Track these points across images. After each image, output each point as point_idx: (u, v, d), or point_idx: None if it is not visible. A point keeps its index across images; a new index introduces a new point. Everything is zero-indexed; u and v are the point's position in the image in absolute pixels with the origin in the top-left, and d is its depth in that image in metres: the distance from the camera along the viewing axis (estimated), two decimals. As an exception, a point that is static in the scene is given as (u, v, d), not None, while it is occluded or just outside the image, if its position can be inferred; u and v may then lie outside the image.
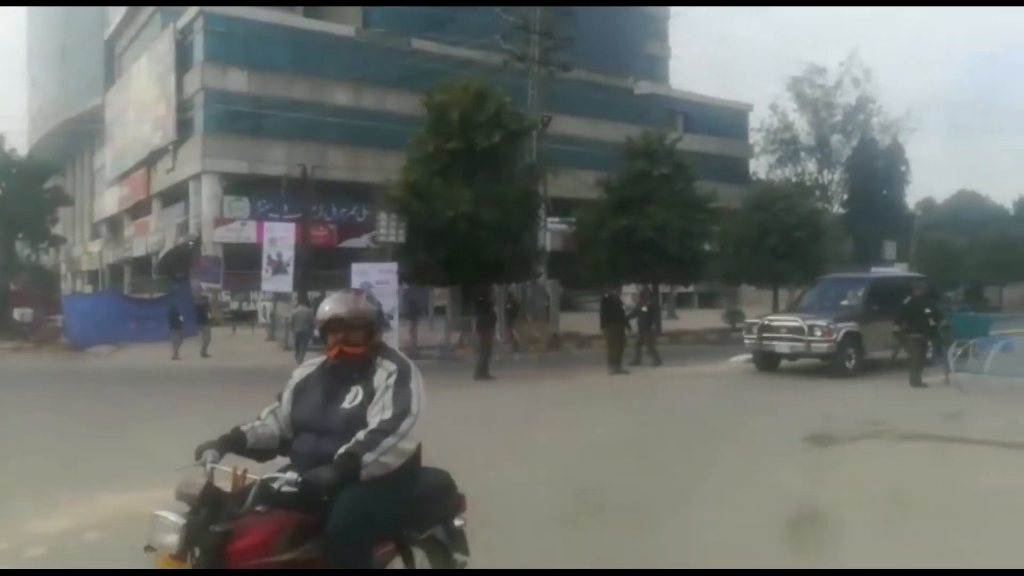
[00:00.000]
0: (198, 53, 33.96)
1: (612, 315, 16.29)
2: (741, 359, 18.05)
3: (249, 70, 33.55)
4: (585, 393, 13.74)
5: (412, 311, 20.60)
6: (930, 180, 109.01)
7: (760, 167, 52.45)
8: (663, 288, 29.51)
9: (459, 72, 23.97)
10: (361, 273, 18.11)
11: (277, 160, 32.41)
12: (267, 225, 24.25)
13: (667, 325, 27.51)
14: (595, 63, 35.96)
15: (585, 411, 11.68)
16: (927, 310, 13.86)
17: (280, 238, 22.30)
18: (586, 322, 23.66)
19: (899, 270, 34.07)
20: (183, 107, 35.06)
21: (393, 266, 18.33)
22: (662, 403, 12.45)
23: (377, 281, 17.87)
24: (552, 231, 27.77)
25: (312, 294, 25.37)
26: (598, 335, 19.18)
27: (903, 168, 50.66)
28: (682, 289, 36.16)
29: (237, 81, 33.40)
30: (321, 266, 29.78)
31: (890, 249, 35.76)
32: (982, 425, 9.66)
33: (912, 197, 54.28)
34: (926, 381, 13.24)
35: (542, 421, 10.65)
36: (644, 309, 17.74)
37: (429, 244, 19.46)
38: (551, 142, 25.20)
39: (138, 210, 42.17)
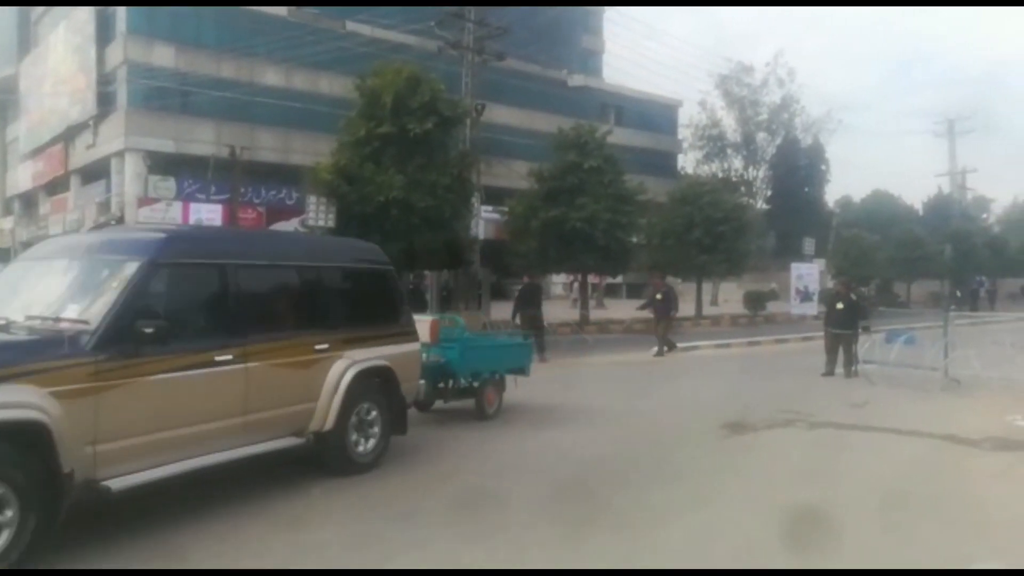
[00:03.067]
0: (121, 25, 32.62)
1: (529, 302, 16.35)
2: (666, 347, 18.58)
3: (176, 45, 32.43)
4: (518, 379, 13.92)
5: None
6: (848, 179, 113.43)
7: (688, 162, 53.71)
8: (592, 278, 29.97)
9: (393, 56, 23.74)
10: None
11: (205, 139, 31.47)
12: (193, 206, 23.65)
13: (595, 314, 27.99)
14: (530, 54, 36.13)
15: (522, 397, 11.88)
16: (853, 308, 14.43)
17: (207, 219, 21.82)
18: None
19: (817, 265, 35.55)
20: (104, 80, 33.65)
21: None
22: (585, 390, 12.70)
23: (306, 266, 17.69)
24: (485, 220, 27.89)
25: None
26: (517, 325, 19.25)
27: (823, 167, 52.60)
28: (611, 280, 36.75)
29: (163, 56, 32.22)
30: (249, 249, 29.18)
31: (809, 245, 37.13)
32: (883, 413, 10.26)
33: (831, 195, 56.49)
34: (839, 371, 13.93)
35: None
36: (659, 296, 17.99)
37: (359, 229, 19.22)
38: (484, 131, 25.25)
39: (55, 186, 40.33)
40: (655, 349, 17.61)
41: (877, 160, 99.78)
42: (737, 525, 5.68)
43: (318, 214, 18.57)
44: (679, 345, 18.34)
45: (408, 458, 7.46)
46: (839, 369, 14.00)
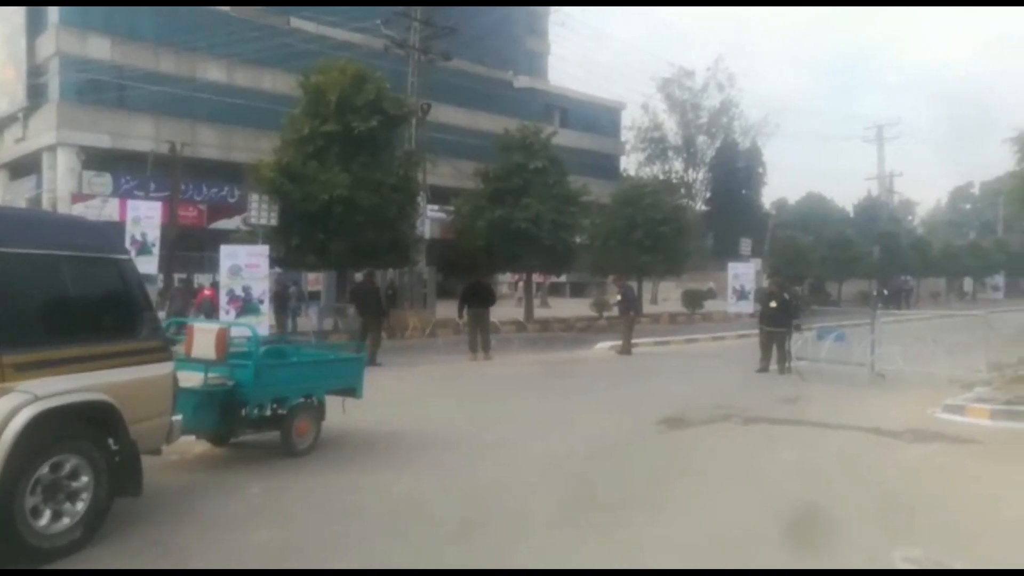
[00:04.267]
0: (53, 15, 31.61)
1: (476, 299, 16.47)
2: (606, 345, 18.97)
3: (112, 37, 31.57)
4: (463, 377, 14.11)
5: (284, 297, 20.22)
6: (784, 182, 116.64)
7: (631, 164, 54.63)
8: (536, 278, 30.28)
9: (337, 54, 23.63)
10: (231, 255, 17.66)
11: (143, 135, 30.75)
12: (131, 203, 23.04)
13: (539, 313, 28.30)
14: (476, 55, 36.32)
15: (474, 393, 12.05)
16: (786, 306, 14.99)
17: (145, 217, 21.26)
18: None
19: (753, 265, 36.53)
20: (35, 72, 32.56)
21: (264, 249, 17.95)
22: (532, 387, 12.94)
23: (247, 264, 17.52)
24: (431, 219, 27.96)
25: (179, 275, 24.47)
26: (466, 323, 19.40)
27: (760, 170, 54.13)
28: (555, 279, 37.16)
29: (98, 48, 31.33)
30: (189, 247, 28.65)
31: (746, 246, 38.14)
32: (814, 408, 10.73)
33: (768, 197, 58.13)
34: (773, 368, 14.46)
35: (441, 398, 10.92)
36: (618, 297, 18.18)
37: (303, 228, 19.19)
38: (430, 130, 25.35)
39: (-21, 181, 38.86)
40: (619, 346, 17.80)
41: (811, 163, 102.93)
42: (671, 519, 5.96)
43: (260, 212, 18.37)
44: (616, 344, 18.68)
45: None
46: (773, 365, 14.53)
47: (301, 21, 34.11)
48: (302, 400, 7.73)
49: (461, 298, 16.68)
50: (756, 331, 15.56)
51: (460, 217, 25.28)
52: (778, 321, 14.69)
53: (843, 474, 7.34)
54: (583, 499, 6.39)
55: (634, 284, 20.30)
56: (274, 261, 19.02)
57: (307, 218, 18.95)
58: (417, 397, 11.71)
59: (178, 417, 5.95)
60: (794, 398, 11.63)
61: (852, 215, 57.60)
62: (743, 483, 6.95)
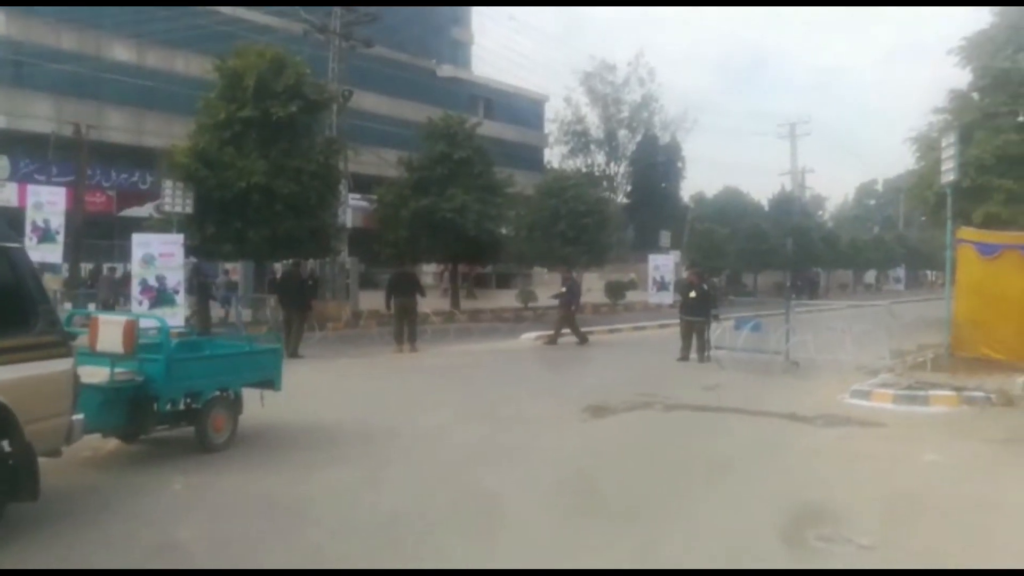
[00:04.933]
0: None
1: (402, 289, 16.19)
2: (532, 335, 19.07)
3: (6, 12, 29.77)
4: (389, 369, 13.92)
5: (202, 287, 19.47)
6: (702, 176, 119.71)
7: (554, 156, 54.98)
8: (462, 268, 30.17)
9: (254, 37, 22.92)
10: (143, 244, 16.96)
11: (43, 115, 29.17)
12: (31, 188, 21.72)
13: (465, 304, 28.20)
14: (398, 42, 35.82)
15: (399, 385, 11.90)
16: (705, 297, 15.37)
17: (48, 203, 20.09)
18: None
19: (672, 256, 37.38)
20: (-78, 47, 30.46)
21: (179, 238, 17.28)
22: (457, 378, 12.88)
23: (161, 253, 16.87)
24: (353, 208, 27.45)
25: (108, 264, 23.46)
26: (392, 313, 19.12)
27: (680, 164, 55.30)
28: (480, 270, 37.12)
29: (-7, 23, 29.54)
30: (97, 235, 27.35)
31: (665, 238, 38.96)
32: (732, 395, 11.02)
33: (686, 191, 59.39)
34: (693, 356, 14.80)
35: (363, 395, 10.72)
36: (563, 289, 18.19)
37: (219, 216, 18.56)
38: (352, 118, 24.87)
39: None
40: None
41: (727, 158, 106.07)
42: (589, 503, 6.02)
43: (174, 199, 17.66)
44: (542, 335, 18.80)
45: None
46: (693, 354, 14.87)
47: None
48: (217, 394, 7.44)
49: (388, 288, 16.43)
50: (677, 321, 15.89)
51: (383, 206, 24.93)
52: (697, 311, 15.06)
53: (759, 458, 7.57)
54: (508, 488, 6.37)
55: (576, 279, 20.44)
56: (189, 250, 18.34)
57: (223, 206, 18.33)
58: (340, 390, 11.53)
59: (79, 416, 5.59)
60: (713, 386, 11.91)
61: (767, 209, 59.35)
62: (662, 467, 7.09)
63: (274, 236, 18.93)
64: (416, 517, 5.55)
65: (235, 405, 7.66)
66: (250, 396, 7.91)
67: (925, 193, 23.64)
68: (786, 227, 48.87)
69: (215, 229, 18.66)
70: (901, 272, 61.89)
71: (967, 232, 13.17)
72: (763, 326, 14.77)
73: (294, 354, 14.73)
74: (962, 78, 24.76)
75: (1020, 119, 21.84)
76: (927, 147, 23.57)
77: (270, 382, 8.09)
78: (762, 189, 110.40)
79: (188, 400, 7.31)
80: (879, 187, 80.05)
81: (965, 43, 24.20)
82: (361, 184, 29.44)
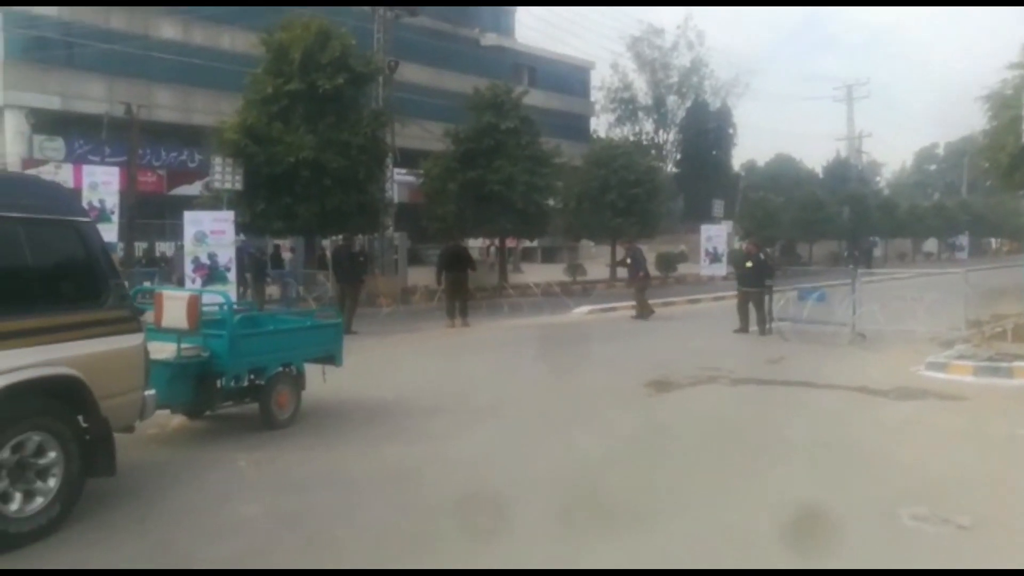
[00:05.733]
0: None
1: (453, 264, 15.96)
2: (584, 310, 18.75)
3: (57, -6, 30.10)
4: (443, 344, 13.75)
5: (255, 264, 19.57)
6: (753, 143, 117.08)
7: (600, 126, 54.03)
8: (509, 242, 29.86)
9: (299, 11, 22.68)
10: (195, 222, 16.98)
11: (96, 96, 29.49)
12: (87, 169, 22.08)
13: (514, 278, 27.94)
14: (440, 11, 35.31)
15: (455, 360, 11.74)
16: (762, 266, 14.86)
17: (103, 183, 20.39)
18: (434, 275, 23.57)
19: (725, 227, 36.54)
20: (-24, 31, 31.02)
21: (229, 215, 17.28)
22: (514, 352, 12.64)
23: (212, 231, 16.87)
24: (398, 183, 27.28)
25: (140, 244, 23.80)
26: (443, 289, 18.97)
27: (731, 131, 53.88)
28: (527, 244, 36.75)
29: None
30: (149, 215, 27.70)
31: (718, 207, 38.07)
32: (798, 368, 10.58)
33: (737, 159, 58.01)
34: (754, 329, 14.31)
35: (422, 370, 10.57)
36: (628, 261, 18.01)
37: (268, 192, 18.53)
38: (396, 90, 24.54)
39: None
40: (633, 312, 17.43)
41: (779, 124, 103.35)
42: (672, 478, 5.71)
43: (224, 176, 17.66)
44: (589, 308, 18.48)
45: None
46: (753, 327, 14.37)
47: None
48: (280, 370, 7.36)
49: (439, 263, 16.24)
50: (732, 294, 15.43)
51: (430, 180, 24.63)
52: (754, 282, 14.60)
53: (836, 433, 7.17)
54: (577, 465, 6.11)
55: (640, 247, 19.92)
56: (239, 227, 18.37)
57: (272, 181, 18.28)
58: (396, 365, 11.39)
59: (151, 392, 5.54)
60: (778, 358, 11.49)
61: (821, 176, 57.73)
62: (736, 445, 6.75)
63: (323, 211, 18.83)
64: (486, 496, 5.32)
65: (298, 381, 7.56)
66: (312, 372, 7.78)
67: (998, 155, 22.50)
68: (842, 195, 47.49)
69: (265, 205, 18.64)
70: (964, 240, 59.66)
71: (1052, 194, 12.36)
72: (828, 297, 14.24)
73: (347, 330, 14.58)
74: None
75: (1100, 74, 20.62)
76: (1001, 105, 22.38)
77: (331, 357, 7.95)
78: (816, 156, 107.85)
79: (252, 376, 7.24)
80: (940, 151, 77.16)
81: (1040, -6, 22.86)
82: (406, 158, 29.20)
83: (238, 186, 17.85)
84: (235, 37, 31.11)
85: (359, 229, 21.06)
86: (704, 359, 11.31)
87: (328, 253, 26.00)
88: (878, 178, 74.24)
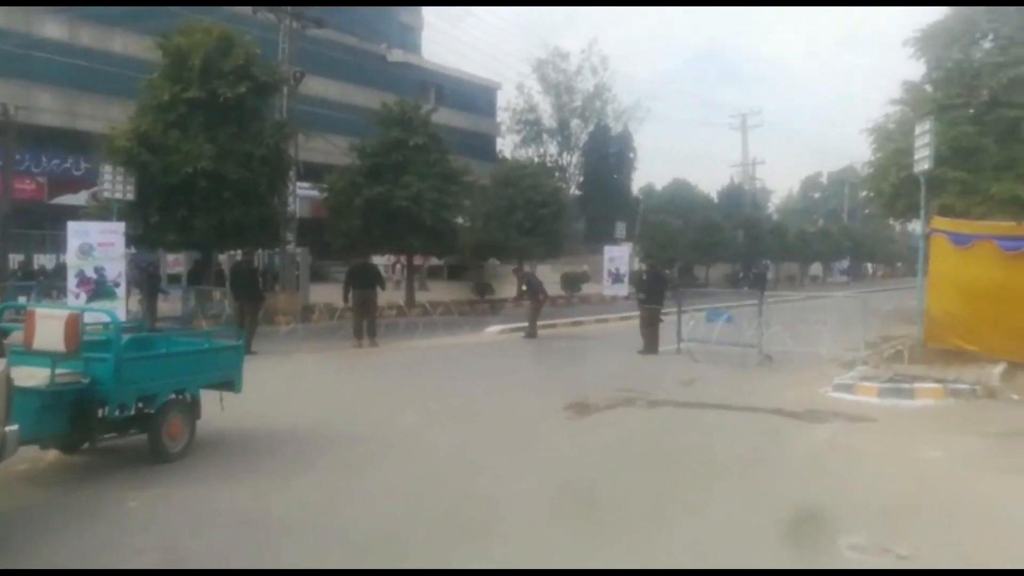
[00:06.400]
0: None
1: (362, 281, 15.43)
2: (495, 329, 18.55)
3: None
4: (350, 365, 13.20)
5: (148, 280, 18.40)
6: (651, 167, 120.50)
7: (506, 146, 54.30)
8: (416, 260, 29.40)
9: (197, 17, 21.66)
10: (80, 233, 15.81)
11: (-35, 96, 27.31)
12: (-47, 173, 20.34)
13: (420, 297, 27.45)
14: (347, 25, 34.64)
15: (365, 382, 11.22)
16: (661, 281, 15.27)
17: (-28, 189, 18.81)
18: (336, 293, 22.86)
19: (627, 248, 37.26)
20: None
21: (120, 226, 16.19)
22: (425, 374, 12.24)
23: (100, 243, 15.76)
24: (300, 197, 26.41)
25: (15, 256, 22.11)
26: (349, 307, 18.39)
27: (631, 155, 55.15)
28: (434, 261, 36.32)
29: (-92, -5, 27.54)
30: (26, 224, 25.77)
31: (621, 229, 38.77)
32: (712, 390, 10.67)
33: (637, 183, 59.39)
34: (662, 350, 14.46)
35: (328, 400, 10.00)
36: (524, 288, 17.94)
37: (163, 203, 17.51)
38: (299, 103, 23.77)
39: None
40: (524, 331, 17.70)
41: (677, 149, 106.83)
42: (590, 512, 5.51)
43: (114, 185, 16.56)
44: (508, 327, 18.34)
45: None
46: (664, 347, 14.59)
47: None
48: (173, 397, 6.73)
49: (347, 280, 15.65)
50: (637, 313, 15.70)
51: (334, 194, 23.96)
52: (654, 298, 15.03)
53: (758, 457, 7.17)
54: (499, 496, 5.81)
55: (530, 270, 20.20)
56: (130, 239, 17.24)
57: (168, 192, 17.31)
58: (301, 389, 10.85)
59: (14, 427, 4.85)
60: (691, 380, 11.57)
61: (716, 201, 59.79)
62: (659, 470, 6.64)
63: (222, 224, 17.96)
64: (403, 532, 4.97)
65: (192, 409, 6.94)
66: (208, 398, 7.19)
67: (882, 185, 23.83)
68: (736, 219, 49.31)
69: (159, 217, 17.62)
70: (846, 264, 63.16)
71: (941, 222, 13.06)
72: (734, 318, 14.55)
73: (248, 350, 13.89)
74: (915, 69, 25.05)
75: (972, 112, 22.11)
76: (885, 138, 23.76)
77: (230, 383, 7.34)
78: (710, 181, 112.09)
79: (140, 404, 6.50)
80: (824, 179, 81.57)
81: (919, 35, 24.45)
82: (309, 172, 28.34)
83: (129, 196, 16.80)
84: (128, 40, 29.54)
85: (260, 243, 20.23)
86: (619, 380, 11.27)
87: (225, 268, 24.93)
88: (768, 204, 77.66)
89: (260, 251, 20.83)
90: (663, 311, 14.95)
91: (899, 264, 78.44)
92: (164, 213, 17.54)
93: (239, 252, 17.94)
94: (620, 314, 23.28)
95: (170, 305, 20.33)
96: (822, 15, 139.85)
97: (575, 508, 5.60)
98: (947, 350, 12.33)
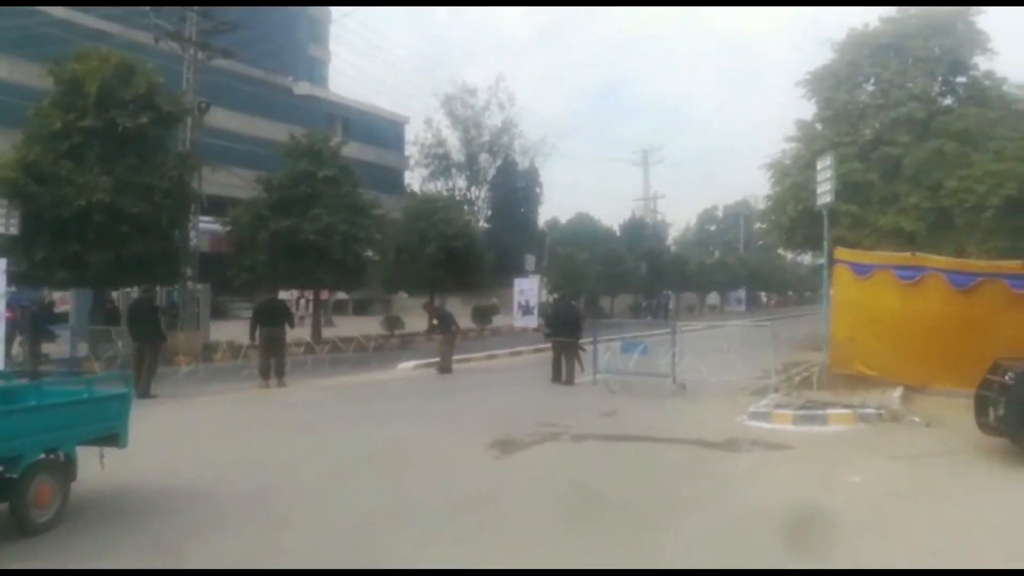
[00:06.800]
0: None
1: (270, 319, 14.79)
2: (409, 365, 18.21)
3: None
4: (258, 408, 12.61)
5: (33, 320, 17.19)
6: (553, 202, 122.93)
7: (414, 179, 54.17)
8: (323, 295, 28.71)
9: (88, 44, 20.67)
10: (-44, 270, 14.59)
11: None
12: None
13: (326, 332, 26.75)
14: (254, 57, 33.94)
15: (274, 426, 10.67)
16: (574, 316, 15.49)
17: None
18: (239, 331, 21.99)
19: (536, 280, 37.64)
20: None
21: (1, 263, 15.07)
22: (341, 416, 11.81)
23: (-22, 281, 14.58)
24: (200, 231, 25.42)
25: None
26: (254, 345, 17.62)
27: (538, 189, 55.99)
28: (340, 296, 35.59)
29: None
30: None
31: (531, 262, 39.17)
32: (632, 422, 10.73)
33: (543, 216, 60.32)
34: (578, 381, 14.53)
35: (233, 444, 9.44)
36: (435, 322, 17.82)
37: (52, 238, 16.45)
38: (204, 135, 22.97)
39: None
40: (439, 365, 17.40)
41: (579, 184, 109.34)
42: (550, 551, 5.37)
43: (-2, 219, 15.45)
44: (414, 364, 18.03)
45: None
46: (580, 379, 14.77)
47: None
48: (42, 457, 5.89)
49: (253, 317, 15.01)
50: (549, 345, 15.86)
51: (238, 228, 23.15)
52: (563, 330, 15.19)
53: (690, 490, 7.20)
54: (436, 548, 5.59)
55: (439, 303, 20.02)
56: (12, 277, 16.05)
57: (59, 226, 16.27)
58: (203, 436, 10.07)
59: None
60: (610, 412, 11.62)
61: (618, 234, 61.31)
62: (597, 507, 6.55)
63: (118, 260, 17.02)
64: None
65: (66, 470, 6.05)
66: (86, 455, 6.33)
67: (780, 217, 24.95)
68: (639, 252, 50.62)
69: (46, 253, 16.51)
70: (743, 294, 65.70)
71: (843, 252, 13.70)
72: (648, 349, 14.76)
73: (146, 394, 13.14)
74: (807, 109, 26.52)
75: (858, 149, 23.53)
76: (782, 173, 24.94)
77: (115, 437, 6.47)
78: (613, 215, 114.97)
79: (1, 468, 5.67)
80: (719, 213, 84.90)
81: (810, 77, 25.93)
82: (210, 206, 27.39)
83: (13, 230, 15.69)
84: (13, 66, 27.90)
85: (159, 279, 19.25)
86: (539, 414, 11.22)
87: (121, 306, 23.60)
88: (668, 236, 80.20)
89: (159, 288, 19.79)
90: (580, 342, 15.12)
91: (790, 293, 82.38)
92: (53, 248, 16.46)
93: (141, 289, 16.97)
94: (533, 346, 23.38)
95: (58, 347, 19.05)
96: (717, 54, 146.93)
97: (516, 558, 5.43)
98: (850, 375, 12.88)
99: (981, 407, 8.44)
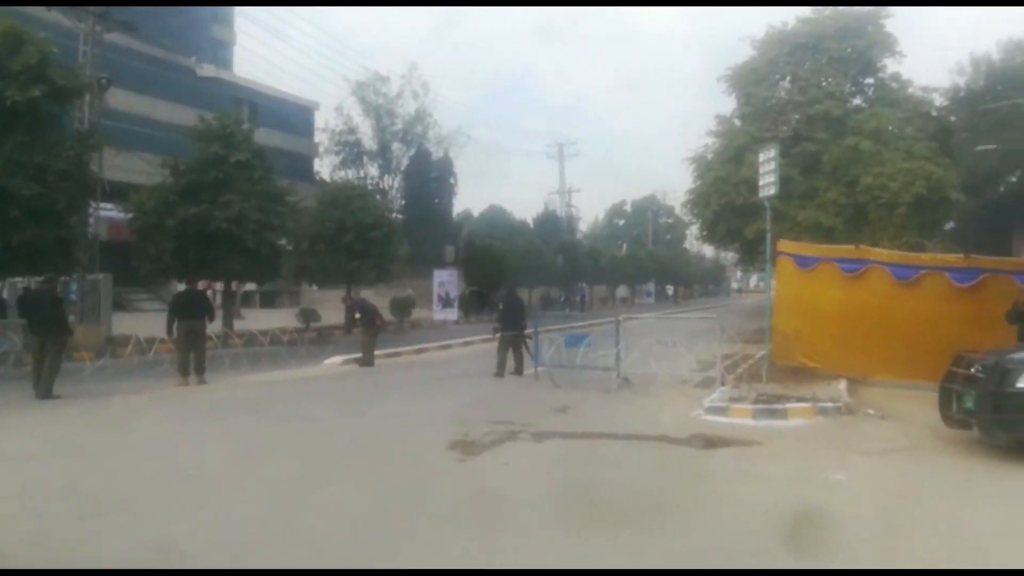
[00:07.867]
0: None
1: (189, 312, 13.63)
2: (337, 360, 17.34)
3: None
4: (179, 408, 11.49)
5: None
6: (467, 193, 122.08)
7: (324, 167, 52.43)
8: (233, 286, 27.17)
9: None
10: None
11: None
12: None
13: (237, 325, 25.32)
14: (154, 36, 31.73)
15: (200, 430, 9.66)
16: (519, 310, 15.21)
17: None
18: (142, 323, 20.47)
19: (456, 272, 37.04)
20: None
21: None
22: (275, 415, 10.87)
23: None
24: (99, 218, 23.57)
25: None
26: (164, 339, 16.28)
27: (452, 180, 55.19)
28: (249, 287, 33.89)
29: None
30: None
31: (450, 253, 38.55)
32: (587, 418, 10.35)
33: (458, 207, 59.64)
34: (526, 374, 14.19)
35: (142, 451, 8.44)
36: (358, 315, 17.34)
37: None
38: (103, 116, 21.16)
39: None
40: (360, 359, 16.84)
41: (489, 176, 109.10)
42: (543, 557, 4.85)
43: None
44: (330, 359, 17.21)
45: None
46: (510, 372, 14.72)
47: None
48: None
49: (171, 309, 13.77)
50: (480, 338, 15.69)
51: (143, 215, 21.55)
52: (516, 325, 15.05)
53: (667, 490, 6.85)
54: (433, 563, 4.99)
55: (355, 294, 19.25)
56: None
57: (-62, 211, 14.60)
58: (118, 443, 8.87)
59: None
60: (563, 407, 11.21)
61: (532, 227, 61.34)
62: (577, 509, 6.09)
63: (8, 247, 15.43)
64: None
65: None
66: None
67: (704, 211, 25.23)
68: (555, 244, 50.71)
69: (-76, 238, 14.81)
70: (651, 286, 67.00)
71: (787, 245, 13.74)
72: (592, 342, 14.47)
73: (47, 394, 11.88)
74: (726, 104, 26.97)
75: (779, 145, 24.03)
76: (705, 168, 25.21)
77: None
78: (524, 207, 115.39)
79: None
80: (628, 207, 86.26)
81: (731, 73, 26.30)
82: (109, 192, 25.46)
83: None
84: None
85: (55, 268, 17.57)
86: (489, 410, 10.75)
87: (4, 295, 21.69)
88: (579, 230, 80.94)
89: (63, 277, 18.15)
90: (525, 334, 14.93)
91: (695, 286, 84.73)
92: (-68, 236, 14.78)
93: (43, 279, 15.35)
94: (462, 339, 22.79)
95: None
96: (621, 54, 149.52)
97: (524, 561, 4.88)
98: (793, 367, 12.92)
99: (945, 400, 8.44)
